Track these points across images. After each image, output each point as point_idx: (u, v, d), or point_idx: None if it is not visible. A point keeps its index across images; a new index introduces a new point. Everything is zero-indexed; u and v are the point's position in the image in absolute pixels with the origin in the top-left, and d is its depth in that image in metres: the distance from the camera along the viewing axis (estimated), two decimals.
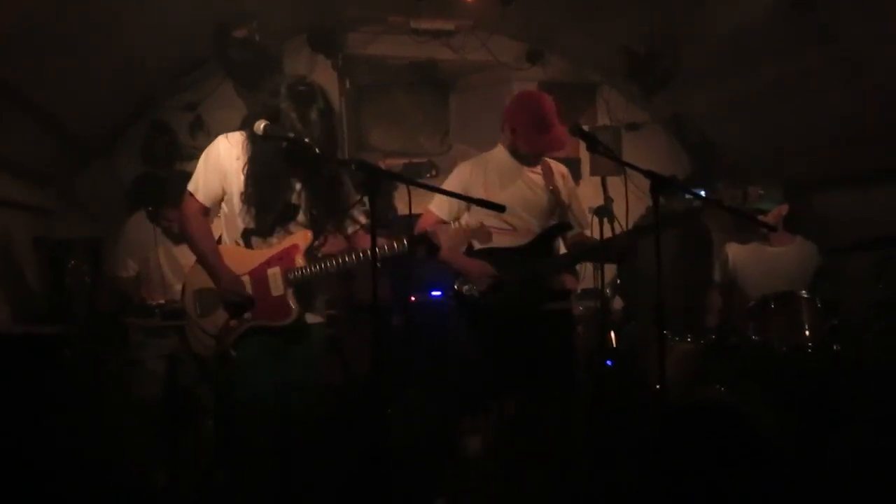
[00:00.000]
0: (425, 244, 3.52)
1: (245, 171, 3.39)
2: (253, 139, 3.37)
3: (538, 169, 4.31)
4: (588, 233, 4.41)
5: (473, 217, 3.94)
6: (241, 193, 3.41)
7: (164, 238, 4.95)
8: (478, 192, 4.11)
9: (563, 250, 4.43)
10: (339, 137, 3.39)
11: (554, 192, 4.26)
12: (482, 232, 3.71)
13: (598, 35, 6.46)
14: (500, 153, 4.32)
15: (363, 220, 3.62)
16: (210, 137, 6.33)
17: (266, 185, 3.37)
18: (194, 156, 6.30)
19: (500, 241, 4.10)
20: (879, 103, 5.04)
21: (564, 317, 4.32)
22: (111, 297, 5.18)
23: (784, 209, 5.07)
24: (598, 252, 4.21)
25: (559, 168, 4.41)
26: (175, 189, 4.75)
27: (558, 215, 4.33)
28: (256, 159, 3.36)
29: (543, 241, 4.24)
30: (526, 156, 4.26)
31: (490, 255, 4.15)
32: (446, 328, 4.74)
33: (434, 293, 5.84)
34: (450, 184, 4.29)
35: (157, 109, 6.46)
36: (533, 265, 4.16)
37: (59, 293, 5.54)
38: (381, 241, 3.30)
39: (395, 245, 3.41)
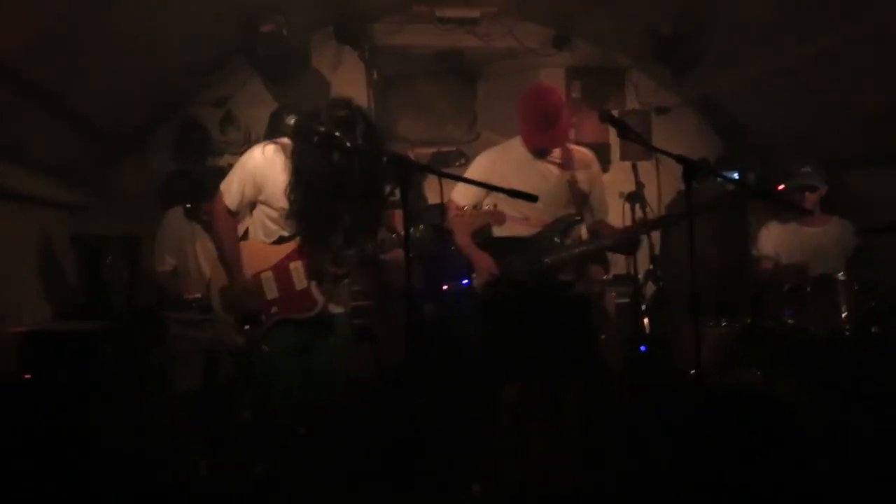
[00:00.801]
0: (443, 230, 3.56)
1: (288, 184, 3.43)
2: (291, 147, 3.41)
3: (557, 157, 4.30)
4: (609, 219, 4.40)
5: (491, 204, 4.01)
6: (283, 208, 3.47)
7: (201, 232, 5.02)
8: (496, 182, 4.11)
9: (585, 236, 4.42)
10: (383, 151, 3.41)
11: (571, 182, 4.25)
12: (495, 214, 3.73)
13: (624, 18, 6.39)
14: (516, 143, 4.34)
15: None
16: (240, 132, 6.59)
17: (308, 198, 3.42)
18: (225, 150, 6.52)
19: (513, 229, 4.12)
20: None
21: (574, 304, 4.28)
22: (149, 291, 5.27)
23: (822, 191, 5.02)
24: (608, 245, 4.22)
25: (583, 155, 4.39)
26: (209, 185, 4.82)
27: (576, 204, 4.30)
28: (299, 172, 3.40)
29: (551, 232, 4.24)
30: (540, 151, 4.24)
31: (497, 244, 4.16)
32: (469, 318, 4.75)
33: (464, 282, 5.86)
34: (470, 174, 4.32)
35: (187, 106, 6.54)
36: (538, 256, 4.15)
37: (97, 289, 5.65)
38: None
39: (414, 231, 3.45)
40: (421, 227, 3.53)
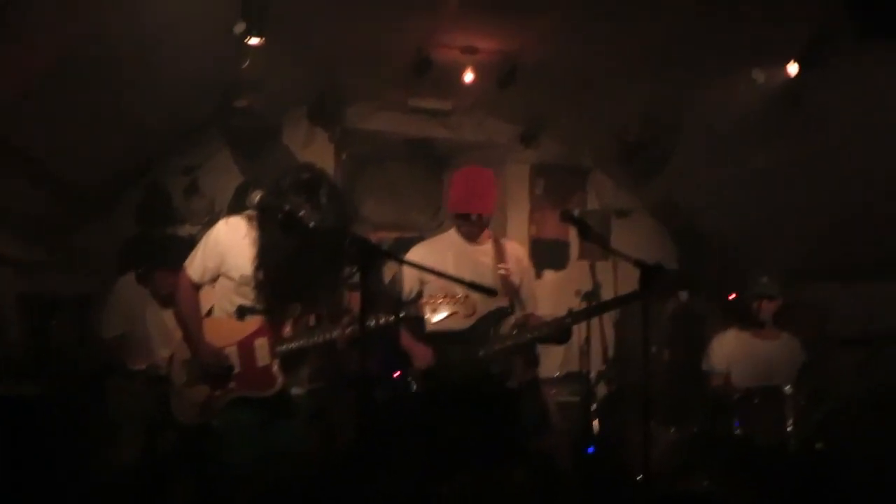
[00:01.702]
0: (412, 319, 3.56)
1: (253, 256, 3.42)
2: (257, 221, 3.42)
3: (488, 248, 4.36)
4: (539, 313, 4.45)
5: (430, 293, 4.05)
6: (243, 276, 3.46)
7: (151, 301, 4.93)
8: (429, 275, 4.12)
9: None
10: (351, 215, 3.43)
11: (503, 275, 4.31)
12: (466, 303, 3.77)
13: (591, 121, 6.61)
14: (451, 234, 4.41)
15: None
16: (204, 202, 6.58)
17: (272, 270, 3.40)
18: (188, 219, 6.49)
19: (447, 321, 4.13)
20: (865, 196, 5.15)
21: (503, 400, 4.24)
22: (95, 358, 5.13)
23: (779, 303, 5.14)
24: (540, 336, 4.26)
25: (514, 250, 4.47)
26: (167, 252, 4.78)
27: (507, 297, 4.33)
28: (263, 244, 3.40)
29: (483, 324, 4.24)
30: (470, 229, 4.31)
31: (433, 338, 4.18)
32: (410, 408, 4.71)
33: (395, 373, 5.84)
34: (408, 258, 4.35)
35: (154, 171, 6.52)
36: (472, 349, 4.17)
37: (42, 351, 5.48)
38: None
39: (383, 320, 3.45)
40: (391, 318, 3.52)
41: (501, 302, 4.23)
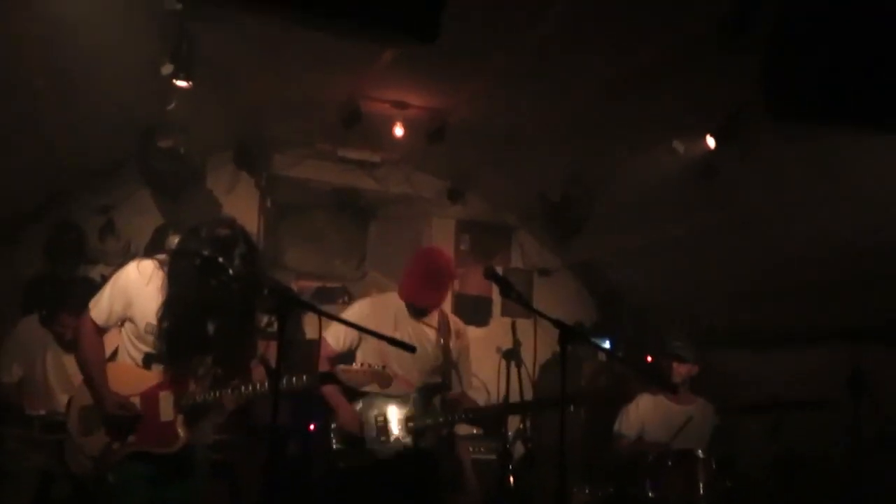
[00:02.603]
0: (328, 382, 3.51)
1: (160, 303, 3.31)
2: (168, 266, 3.32)
3: (433, 321, 4.38)
4: (471, 394, 4.48)
5: (365, 353, 4.08)
6: (149, 324, 3.34)
7: (54, 344, 4.73)
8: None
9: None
10: (263, 277, 3.35)
11: (444, 349, 4.33)
12: (384, 375, 3.73)
13: (517, 180, 6.71)
14: (397, 298, 4.38)
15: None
16: (120, 243, 6.36)
17: (179, 320, 3.31)
18: (101, 260, 6.26)
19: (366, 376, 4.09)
20: (774, 267, 5.34)
21: (420, 458, 4.24)
22: None
23: (695, 369, 5.23)
24: (472, 419, 4.30)
25: (456, 324, 4.51)
26: (75, 294, 4.59)
27: (442, 371, 4.35)
28: (171, 292, 3.30)
29: (418, 397, 4.27)
30: (420, 309, 4.33)
31: (365, 397, 4.12)
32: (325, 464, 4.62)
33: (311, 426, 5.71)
34: (347, 316, 4.31)
35: (67, 207, 6.29)
36: (402, 418, 4.18)
37: None
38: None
39: (295, 381, 3.38)
40: (304, 378, 3.45)
41: (437, 377, 4.27)
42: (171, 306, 3.28)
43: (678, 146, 4.92)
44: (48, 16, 3.71)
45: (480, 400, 5.14)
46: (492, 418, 4.38)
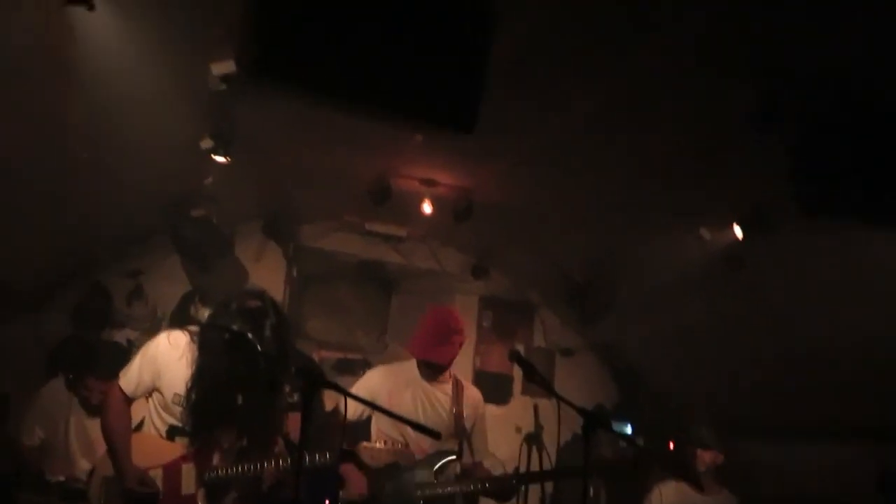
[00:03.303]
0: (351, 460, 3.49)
1: (190, 377, 3.33)
2: (199, 340, 3.35)
3: (448, 388, 4.34)
4: (487, 464, 4.39)
5: (380, 421, 4.08)
6: (177, 395, 3.35)
7: (78, 408, 4.74)
8: (382, 401, 4.09)
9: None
10: (291, 351, 3.39)
11: (457, 416, 4.28)
12: (406, 454, 3.70)
13: (541, 259, 6.74)
14: (410, 365, 4.39)
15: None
16: (147, 308, 6.43)
17: (207, 393, 3.33)
18: (127, 324, 6.32)
19: (389, 455, 4.05)
20: (799, 360, 5.28)
21: None
22: (9, 465, 4.85)
23: (719, 458, 5.13)
24: (483, 489, 4.21)
25: (472, 393, 4.45)
26: (101, 358, 4.63)
27: (457, 440, 4.30)
28: (200, 365, 3.32)
29: (428, 465, 4.19)
30: (431, 370, 4.29)
31: (359, 457, 4.08)
32: None
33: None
34: (360, 388, 4.30)
35: (97, 271, 6.38)
36: (411, 487, 4.09)
37: None
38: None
39: (318, 458, 3.36)
40: (328, 456, 3.43)
41: (450, 445, 4.20)
42: (200, 379, 3.31)
43: (705, 234, 4.94)
44: (96, 94, 3.84)
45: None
46: (505, 490, 4.26)
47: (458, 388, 4.38)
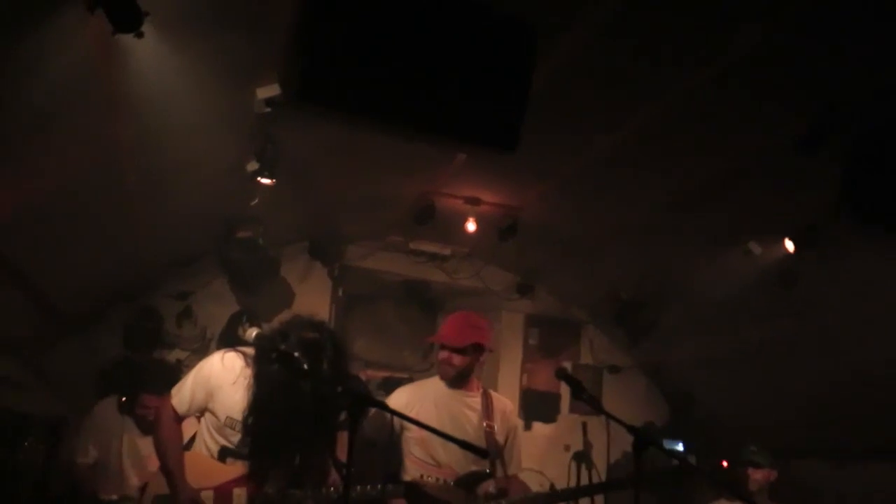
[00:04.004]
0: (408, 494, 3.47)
1: (244, 399, 3.35)
2: (255, 366, 3.37)
3: (476, 401, 4.22)
4: (528, 480, 4.28)
5: (409, 442, 4.03)
6: (229, 418, 3.37)
7: (131, 427, 4.81)
8: (414, 416, 4.00)
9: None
10: (346, 379, 3.38)
11: (488, 431, 4.15)
12: (459, 494, 3.65)
13: (588, 277, 6.68)
14: (435, 381, 4.29)
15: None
16: (196, 329, 6.53)
17: (264, 420, 3.33)
18: (177, 345, 6.42)
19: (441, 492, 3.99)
20: (854, 381, 5.13)
21: None
22: (64, 484, 4.94)
23: (773, 475, 5.02)
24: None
25: (502, 404, 4.32)
26: (154, 375, 4.70)
27: (490, 455, 4.09)
28: (259, 391, 3.33)
29: (466, 487, 4.06)
30: (457, 382, 4.19)
31: (411, 492, 3.98)
32: None
33: None
34: (389, 402, 4.23)
35: (146, 293, 6.50)
36: None
37: (8, 473, 5.27)
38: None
39: (370, 489, 3.35)
40: (390, 487, 3.42)
41: (480, 465, 4.05)
42: (258, 406, 3.31)
43: (755, 248, 4.84)
44: (140, 117, 3.92)
45: None
46: None
47: (487, 399, 4.25)
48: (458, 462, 4.06)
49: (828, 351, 5.16)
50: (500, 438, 4.20)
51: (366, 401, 3.19)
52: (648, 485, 4.51)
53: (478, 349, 4.19)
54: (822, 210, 4.25)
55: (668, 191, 4.85)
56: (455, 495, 3.69)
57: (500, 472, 4.21)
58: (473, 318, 4.29)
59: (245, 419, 3.33)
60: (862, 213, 3.08)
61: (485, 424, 4.16)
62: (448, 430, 3.92)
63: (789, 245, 4.67)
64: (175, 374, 3.74)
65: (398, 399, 4.27)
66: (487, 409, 4.21)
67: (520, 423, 4.48)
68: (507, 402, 4.40)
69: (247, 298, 6.50)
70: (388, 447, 4.14)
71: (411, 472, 4.04)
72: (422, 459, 4.02)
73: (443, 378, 4.23)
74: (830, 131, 3.57)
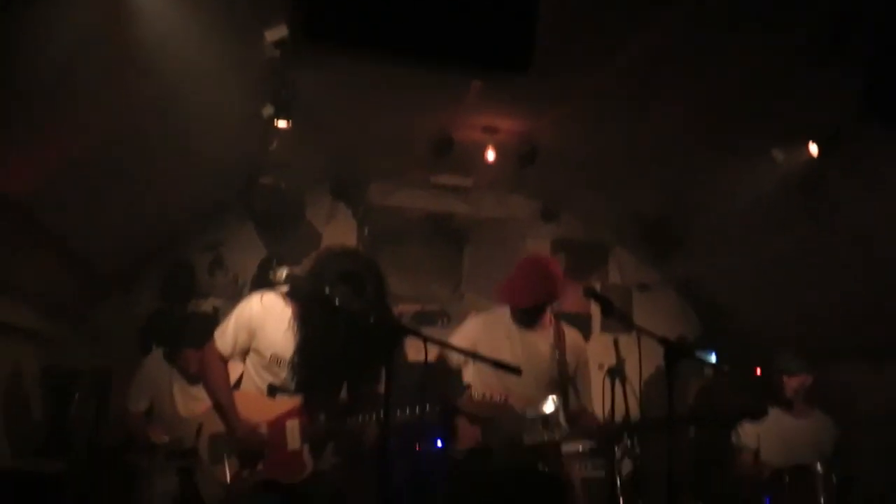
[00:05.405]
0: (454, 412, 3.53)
1: (290, 337, 3.42)
2: (297, 302, 3.44)
3: (548, 333, 4.25)
4: (591, 409, 4.32)
5: (474, 370, 4.07)
6: (274, 355, 3.45)
7: (179, 376, 4.95)
8: (485, 349, 4.05)
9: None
10: (387, 305, 3.45)
11: (560, 362, 4.20)
12: (506, 407, 3.71)
13: (612, 198, 6.66)
14: (505, 313, 4.31)
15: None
16: (228, 276, 6.65)
17: (310, 355, 3.40)
18: (211, 293, 6.56)
19: (489, 409, 4.07)
20: (886, 281, 5.12)
21: (549, 486, 4.14)
22: (116, 432, 5.13)
23: (808, 380, 5.07)
24: (594, 436, 4.18)
25: (574, 338, 4.34)
26: (193, 330, 4.81)
27: (560, 385, 4.21)
28: (303, 328, 3.40)
29: (536, 413, 4.08)
30: (527, 316, 4.22)
31: (452, 412, 4.09)
32: (442, 484, 4.61)
33: (439, 444, 5.74)
34: (460, 335, 4.30)
35: (178, 246, 6.62)
36: (517, 434, 4.04)
37: (62, 426, 5.48)
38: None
39: (423, 410, 3.42)
40: (437, 408, 3.50)
41: (552, 389, 4.12)
42: (299, 344, 3.39)
43: (778, 155, 4.78)
44: (156, 72, 3.94)
45: None
46: (607, 437, 4.20)
47: (559, 332, 4.27)
48: (529, 389, 4.09)
49: (857, 253, 5.14)
50: (570, 370, 4.24)
51: (401, 329, 3.28)
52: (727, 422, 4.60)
53: (550, 298, 4.19)
54: (846, 114, 4.18)
55: (688, 105, 4.78)
56: (500, 411, 3.76)
57: (572, 403, 4.25)
58: (542, 268, 4.21)
59: (291, 357, 3.41)
60: (885, 114, 3.03)
61: (556, 356, 4.21)
62: (519, 359, 4.00)
63: (813, 149, 4.62)
64: (212, 324, 3.83)
65: (472, 329, 4.30)
66: (559, 341, 4.24)
67: (588, 356, 4.47)
68: (578, 335, 4.41)
69: (274, 244, 6.60)
70: (447, 378, 4.21)
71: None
72: (489, 385, 4.09)
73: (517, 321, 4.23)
74: (852, 34, 3.49)
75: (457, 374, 4.28)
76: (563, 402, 4.15)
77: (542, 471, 4.08)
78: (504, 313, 4.32)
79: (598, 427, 4.16)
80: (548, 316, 4.28)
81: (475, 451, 4.03)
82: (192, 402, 4.80)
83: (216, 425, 3.53)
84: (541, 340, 4.24)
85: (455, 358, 4.22)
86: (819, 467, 4.50)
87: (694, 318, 7.34)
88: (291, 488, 3.43)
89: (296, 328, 3.41)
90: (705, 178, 5.51)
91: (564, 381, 4.21)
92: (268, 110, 4.56)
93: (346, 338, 3.34)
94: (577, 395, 4.28)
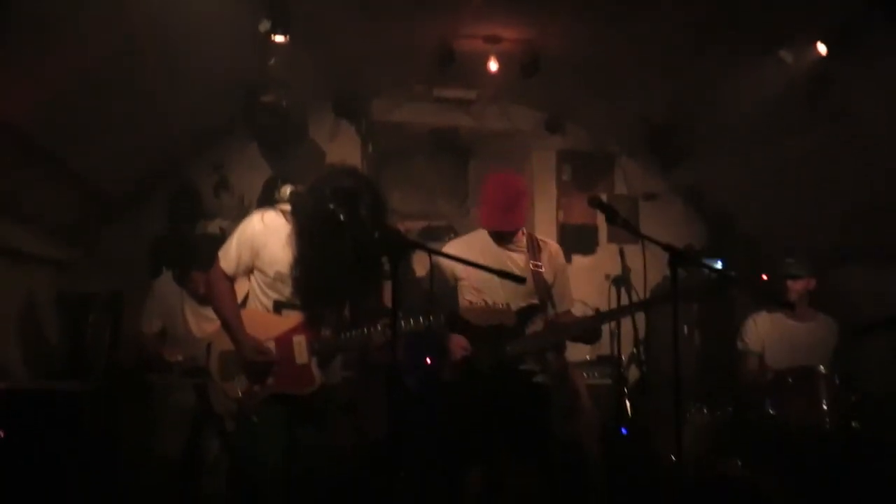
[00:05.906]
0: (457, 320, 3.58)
1: (290, 253, 3.44)
2: (294, 221, 3.45)
3: (521, 245, 4.31)
4: (574, 311, 4.40)
5: (463, 290, 4.13)
6: (278, 272, 3.48)
7: (189, 297, 5.02)
8: (463, 270, 4.15)
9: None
10: (385, 222, 3.45)
11: (535, 272, 4.24)
12: (507, 313, 3.76)
13: (618, 107, 6.58)
14: (482, 233, 4.35)
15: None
16: (234, 197, 6.66)
17: (311, 270, 3.41)
18: (217, 215, 6.59)
19: (491, 315, 4.11)
20: (892, 183, 5.09)
21: (532, 393, 4.20)
22: (131, 352, 5.23)
23: (811, 283, 5.09)
24: (568, 332, 4.25)
25: (549, 246, 4.40)
26: (200, 252, 4.85)
27: (539, 294, 4.25)
28: (302, 244, 3.42)
29: (517, 321, 4.13)
30: (504, 235, 4.27)
31: (466, 331, 4.13)
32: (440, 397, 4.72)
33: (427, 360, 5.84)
34: (438, 262, 4.33)
35: (183, 169, 6.61)
36: (502, 346, 4.11)
37: (79, 348, 5.60)
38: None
39: (423, 321, 3.48)
40: (442, 317, 3.53)
41: (533, 299, 4.17)
42: (301, 260, 3.41)
43: (786, 56, 4.68)
44: None
45: None
46: (589, 331, 4.29)
47: (532, 243, 4.33)
48: (510, 300, 4.11)
49: (864, 156, 5.09)
50: (547, 278, 4.29)
51: (404, 243, 3.29)
52: (687, 297, 4.58)
53: (524, 219, 4.25)
54: (854, 10, 4.08)
55: (694, 6, 4.67)
56: (504, 315, 3.82)
57: (550, 310, 4.32)
58: (511, 189, 4.23)
59: (291, 273, 3.44)
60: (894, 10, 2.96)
61: (531, 265, 4.26)
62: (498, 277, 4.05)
63: (821, 48, 4.52)
64: (218, 245, 3.84)
65: (452, 250, 4.26)
66: (534, 252, 4.29)
67: (565, 263, 4.54)
68: (552, 244, 4.46)
69: (278, 163, 6.58)
70: (444, 296, 4.27)
71: None
72: (473, 300, 4.13)
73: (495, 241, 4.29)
74: None
75: (452, 295, 4.33)
76: (543, 310, 4.22)
77: (524, 376, 4.14)
78: (480, 235, 4.35)
79: (574, 324, 4.23)
80: (521, 231, 4.32)
81: (472, 362, 4.10)
82: (205, 322, 4.86)
83: (226, 343, 3.59)
84: (516, 255, 4.28)
85: (450, 273, 4.27)
86: (822, 368, 4.57)
87: (701, 227, 7.34)
88: (302, 400, 3.52)
89: (295, 244, 3.43)
90: (712, 83, 5.42)
91: (542, 289, 4.23)
92: (264, 25, 4.48)
93: (347, 253, 3.36)
94: (553, 304, 4.30)
